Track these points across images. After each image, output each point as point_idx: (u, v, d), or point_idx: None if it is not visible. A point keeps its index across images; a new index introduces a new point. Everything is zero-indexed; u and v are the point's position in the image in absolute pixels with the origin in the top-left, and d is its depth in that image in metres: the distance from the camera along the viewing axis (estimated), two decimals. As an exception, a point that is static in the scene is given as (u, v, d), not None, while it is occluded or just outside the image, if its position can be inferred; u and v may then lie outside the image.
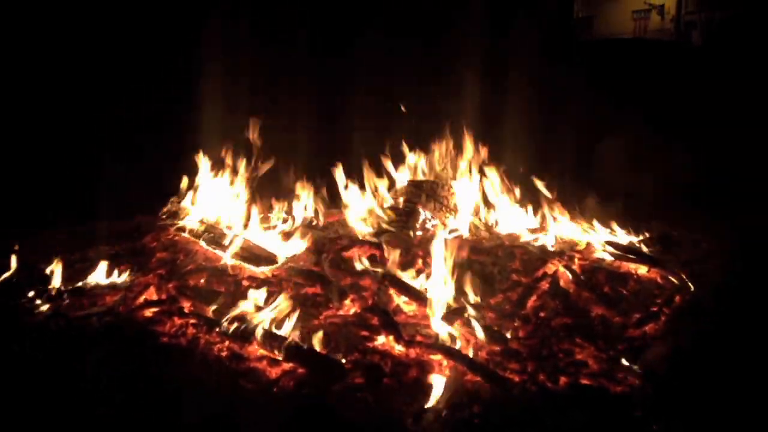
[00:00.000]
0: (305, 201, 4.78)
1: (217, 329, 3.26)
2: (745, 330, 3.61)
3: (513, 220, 4.89)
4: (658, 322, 3.71)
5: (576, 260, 4.26)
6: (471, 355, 3.23)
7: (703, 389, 3.09)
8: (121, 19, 6.71)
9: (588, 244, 4.56)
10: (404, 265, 3.92)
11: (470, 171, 4.85)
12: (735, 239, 4.76)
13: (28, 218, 4.83)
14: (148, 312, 3.49)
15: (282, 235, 4.31)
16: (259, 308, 3.43)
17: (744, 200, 5.63)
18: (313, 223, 4.69)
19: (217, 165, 4.74)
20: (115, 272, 3.88)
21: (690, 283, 4.09)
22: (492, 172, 4.92)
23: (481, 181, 4.90)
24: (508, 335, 3.44)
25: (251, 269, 3.91)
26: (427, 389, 2.93)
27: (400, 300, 3.69)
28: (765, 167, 6.19)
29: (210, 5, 6.53)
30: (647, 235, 4.88)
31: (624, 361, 3.27)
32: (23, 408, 2.74)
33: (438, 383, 2.98)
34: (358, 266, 3.94)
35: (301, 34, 6.92)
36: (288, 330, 3.27)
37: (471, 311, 3.53)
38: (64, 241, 4.37)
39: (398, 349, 3.26)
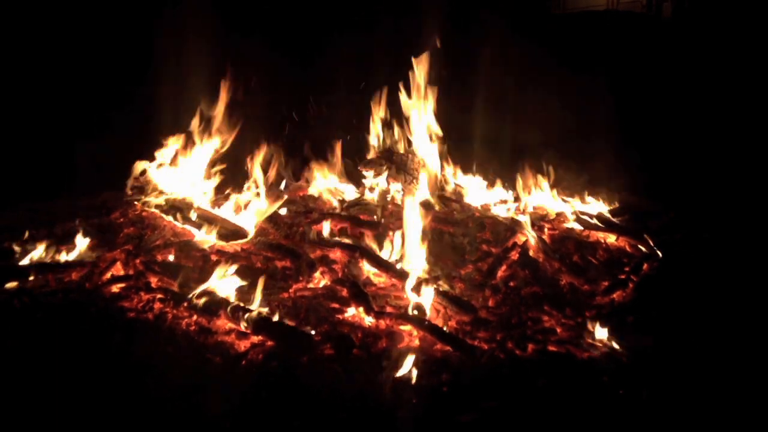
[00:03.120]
0: (274, 175, 4.74)
1: (185, 303, 3.23)
2: (711, 296, 3.67)
3: (482, 191, 4.89)
4: (626, 289, 3.75)
5: (546, 230, 4.29)
6: (441, 324, 3.24)
7: (670, 356, 3.13)
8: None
9: (558, 214, 4.59)
10: (374, 237, 3.91)
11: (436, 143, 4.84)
12: (703, 210, 4.81)
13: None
14: (115, 288, 3.44)
15: (251, 208, 4.26)
16: (227, 282, 3.39)
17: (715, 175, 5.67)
18: (284, 197, 4.65)
19: (185, 140, 4.67)
20: (82, 248, 3.81)
21: (658, 251, 4.14)
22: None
23: (447, 153, 4.91)
24: (478, 305, 3.45)
25: (220, 243, 3.87)
26: (396, 359, 2.93)
27: (370, 272, 3.69)
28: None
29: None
30: (616, 204, 4.92)
31: (591, 328, 3.29)
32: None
33: (407, 353, 2.98)
34: (328, 239, 3.92)
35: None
36: (256, 303, 3.25)
37: (441, 282, 3.53)
38: (29, 217, 4.28)
39: (368, 320, 3.26)
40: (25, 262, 3.67)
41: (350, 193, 4.73)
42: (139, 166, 4.57)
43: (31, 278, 3.49)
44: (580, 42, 8.35)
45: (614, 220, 4.59)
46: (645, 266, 3.99)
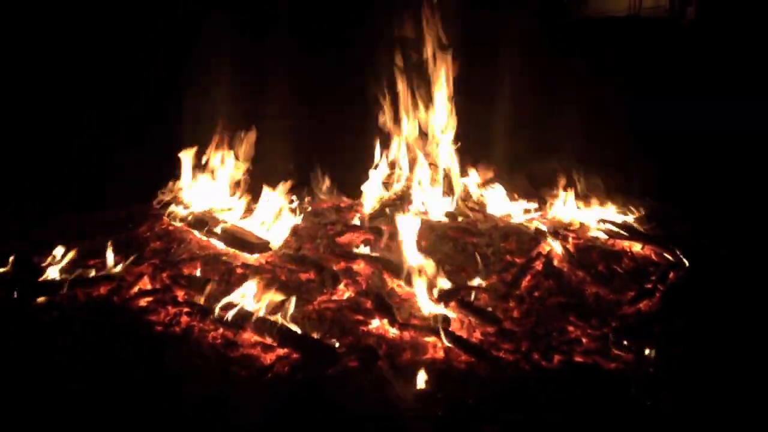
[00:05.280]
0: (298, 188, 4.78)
1: (211, 317, 3.27)
2: (738, 306, 3.63)
3: (506, 201, 4.88)
4: (653, 299, 3.71)
5: (570, 239, 4.26)
6: (465, 336, 3.24)
7: (697, 366, 3.10)
8: (121, 16, 6.71)
9: (582, 223, 4.56)
10: (397, 248, 3.92)
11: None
12: (727, 215, 4.75)
13: (22, 210, 4.81)
14: (143, 301, 3.49)
15: (276, 221, 4.29)
16: (253, 295, 3.43)
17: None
18: (307, 209, 4.69)
19: (210, 155, 4.72)
20: (110, 262, 3.87)
21: (684, 260, 4.10)
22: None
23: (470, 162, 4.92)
24: (502, 315, 3.45)
25: (245, 256, 3.91)
26: (421, 371, 2.94)
27: (394, 283, 3.70)
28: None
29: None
30: (641, 211, 4.87)
31: (618, 338, 3.27)
32: (20, 401, 2.75)
33: (432, 365, 2.99)
34: (352, 251, 3.94)
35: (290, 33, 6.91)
36: (282, 316, 3.27)
37: (465, 293, 3.54)
38: (58, 231, 4.35)
39: (392, 332, 3.27)
40: (54, 276, 3.74)
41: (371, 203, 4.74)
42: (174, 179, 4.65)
43: (60, 292, 3.55)
44: (603, 47, 8.30)
45: (639, 228, 4.55)
46: (671, 275, 3.94)
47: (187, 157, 4.65)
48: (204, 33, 6.28)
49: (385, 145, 4.89)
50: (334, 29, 7.15)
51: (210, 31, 6.23)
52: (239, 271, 3.73)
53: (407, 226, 3.97)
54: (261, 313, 3.27)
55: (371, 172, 4.79)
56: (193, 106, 5.77)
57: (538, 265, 3.93)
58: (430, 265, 3.68)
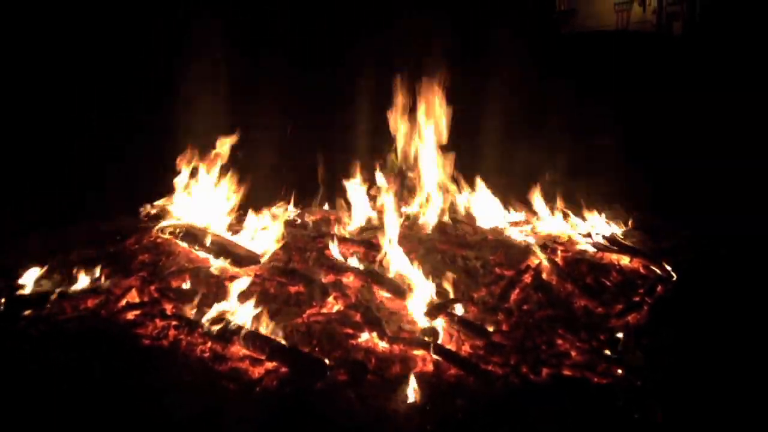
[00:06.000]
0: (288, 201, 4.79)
1: (199, 330, 3.25)
2: (727, 316, 3.64)
3: (495, 214, 4.90)
4: (641, 312, 3.73)
5: (559, 252, 4.28)
6: (454, 349, 3.24)
7: (685, 379, 3.11)
8: (106, 22, 6.67)
9: (570, 236, 4.58)
10: (386, 261, 3.92)
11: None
12: (714, 228, 4.78)
13: (8, 221, 4.78)
14: (131, 315, 3.47)
15: (264, 234, 4.29)
16: (241, 308, 3.41)
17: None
18: (297, 222, 4.69)
19: (198, 166, 4.72)
20: (97, 276, 3.84)
21: (672, 273, 4.12)
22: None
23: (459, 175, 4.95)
24: (491, 329, 3.45)
25: (234, 269, 3.89)
26: (410, 385, 2.93)
27: (383, 296, 3.69)
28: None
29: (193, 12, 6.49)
30: (629, 224, 4.90)
31: (606, 352, 3.28)
32: (7, 415, 2.72)
33: (421, 378, 2.98)
34: (341, 264, 3.94)
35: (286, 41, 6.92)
36: (270, 329, 3.26)
37: (454, 306, 3.54)
38: (43, 244, 4.32)
39: (382, 345, 3.26)
40: (40, 289, 3.71)
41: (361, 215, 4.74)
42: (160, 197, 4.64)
43: (48, 306, 3.52)
44: (592, 61, 8.38)
45: (627, 241, 4.58)
46: (659, 288, 3.96)
47: (176, 168, 4.64)
48: (194, 41, 6.27)
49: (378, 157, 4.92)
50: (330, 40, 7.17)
51: (199, 41, 6.23)
52: (227, 283, 3.71)
53: (396, 239, 3.98)
54: (248, 326, 3.26)
55: (359, 187, 4.81)
56: (182, 116, 5.76)
57: (527, 278, 3.94)
58: (418, 278, 3.69)
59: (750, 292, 3.88)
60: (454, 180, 4.98)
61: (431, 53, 4.90)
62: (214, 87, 6.01)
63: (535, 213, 4.97)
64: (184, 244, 4.16)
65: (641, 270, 4.22)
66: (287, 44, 7.03)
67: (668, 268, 4.15)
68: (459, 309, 3.56)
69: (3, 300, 3.54)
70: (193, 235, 4.16)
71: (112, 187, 5.41)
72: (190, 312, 3.44)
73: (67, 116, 6.36)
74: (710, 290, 3.97)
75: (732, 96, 7.15)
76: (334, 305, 3.59)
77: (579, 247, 4.45)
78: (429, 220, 4.60)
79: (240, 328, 3.22)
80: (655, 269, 4.18)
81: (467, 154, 5.26)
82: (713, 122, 6.82)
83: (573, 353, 3.30)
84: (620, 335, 3.45)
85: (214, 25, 6.23)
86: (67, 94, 6.42)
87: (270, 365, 3.06)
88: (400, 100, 4.87)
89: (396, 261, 3.91)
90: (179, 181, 4.65)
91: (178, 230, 4.22)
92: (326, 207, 5.05)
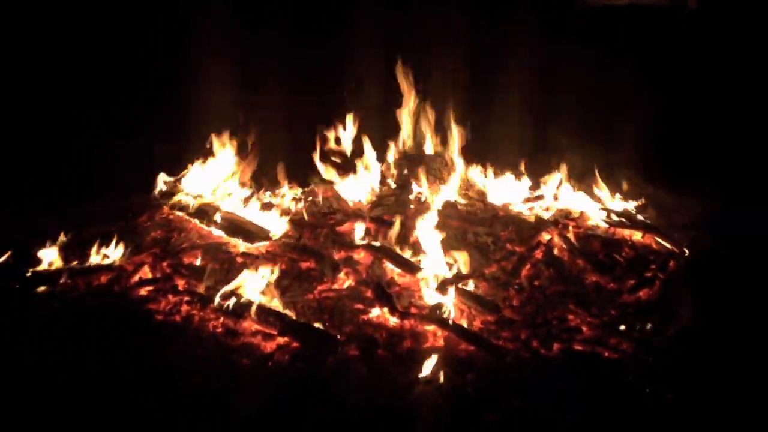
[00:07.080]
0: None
1: (212, 305, 3.27)
2: (740, 293, 3.63)
3: (506, 190, 4.88)
4: (653, 287, 3.71)
5: (570, 228, 4.25)
6: (465, 324, 3.25)
7: (696, 355, 3.10)
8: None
9: (582, 212, 4.56)
10: (398, 238, 3.91)
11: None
12: (726, 203, 4.75)
13: (21, 200, 4.80)
14: (143, 291, 3.50)
15: (276, 210, 4.29)
16: (253, 284, 3.43)
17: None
18: (308, 198, 4.69)
19: (211, 143, 4.73)
20: (110, 252, 3.87)
21: (684, 248, 4.10)
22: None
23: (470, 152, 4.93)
24: (502, 304, 3.45)
25: (245, 245, 3.91)
26: (421, 359, 2.94)
27: (394, 272, 3.70)
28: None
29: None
30: (642, 200, 4.87)
31: (619, 327, 3.28)
32: (22, 391, 2.75)
33: (432, 353, 2.99)
34: (352, 240, 3.94)
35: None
36: (282, 304, 3.28)
37: (465, 281, 3.54)
38: (57, 222, 4.35)
39: (392, 320, 3.27)
40: (54, 266, 3.74)
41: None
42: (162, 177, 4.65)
43: (61, 282, 3.55)
44: (605, 37, 8.26)
45: (640, 217, 4.55)
46: (671, 264, 3.95)
47: (189, 146, 4.66)
48: (200, 28, 6.24)
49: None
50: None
51: (206, 27, 6.20)
52: (239, 260, 3.73)
53: (408, 216, 3.98)
54: (261, 302, 3.27)
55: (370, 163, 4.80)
56: (191, 97, 5.75)
57: (539, 254, 3.93)
58: (430, 254, 3.69)
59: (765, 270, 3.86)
60: (465, 155, 4.95)
61: (442, 31, 4.85)
62: (223, 66, 5.99)
63: (546, 188, 4.93)
64: (195, 221, 4.17)
65: (654, 246, 4.20)
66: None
67: (680, 243, 4.12)
68: (470, 285, 3.56)
69: (16, 276, 3.57)
70: (204, 212, 4.17)
71: (123, 167, 5.41)
72: (203, 288, 3.46)
73: (76, 94, 6.36)
74: (724, 267, 3.95)
75: (747, 74, 7.04)
76: (345, 281, 3.60)
77: (591, 222, 4.43)
78: (440, 196, 4.58)
79: (251, 303, 3.23)
80: (668, 245, 4.15)
81: (477, 130, 5.22)
82: (726, 100, 6.72)
83: (584, 328, 3.30)
84: (632, 310, 3.45)
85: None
86: (79, 73, 6.41)
87: (282, 340, 3.08)
88: (410, 78, 4.84)
89: (407, 237, 3.90)
90: (192, 159, 4.67)
91: (190, 207, 4.24)
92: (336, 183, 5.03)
